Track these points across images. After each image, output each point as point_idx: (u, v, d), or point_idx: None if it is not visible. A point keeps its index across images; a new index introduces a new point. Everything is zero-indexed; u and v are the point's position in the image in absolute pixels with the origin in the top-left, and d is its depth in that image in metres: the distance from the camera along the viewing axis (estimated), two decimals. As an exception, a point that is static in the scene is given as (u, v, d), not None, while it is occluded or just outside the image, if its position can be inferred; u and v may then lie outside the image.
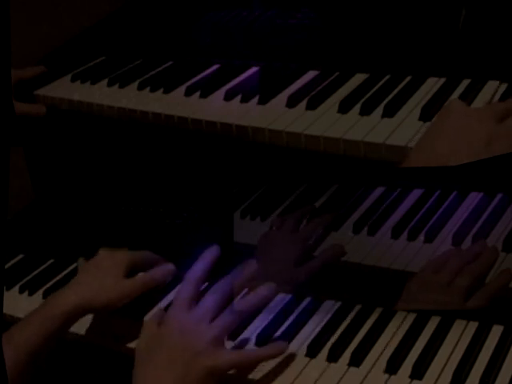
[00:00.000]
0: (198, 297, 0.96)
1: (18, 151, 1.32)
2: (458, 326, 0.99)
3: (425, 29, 1.10)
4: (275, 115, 1.05)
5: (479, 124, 0.87)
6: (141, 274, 1.09)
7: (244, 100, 1.10)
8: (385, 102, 1.02)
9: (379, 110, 1.01)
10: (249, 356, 0.95)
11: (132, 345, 1.08)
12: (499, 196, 1.06)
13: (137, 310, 1.14)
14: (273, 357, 0.96)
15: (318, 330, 1.04)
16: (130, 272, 1.09)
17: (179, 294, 0.97)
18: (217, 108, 1.11)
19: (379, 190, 1.13)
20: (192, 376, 0.89)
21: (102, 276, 1.06)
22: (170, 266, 1.10)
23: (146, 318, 1.10)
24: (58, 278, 1.28)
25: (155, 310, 1.01)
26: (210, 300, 0.95)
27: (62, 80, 1.30)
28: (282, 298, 1.11)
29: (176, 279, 1.21)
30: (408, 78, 1.08)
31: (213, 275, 1.19)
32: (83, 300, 1.03)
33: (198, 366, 0.90)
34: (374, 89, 1.06)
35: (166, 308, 1.13)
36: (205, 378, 0.90)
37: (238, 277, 0.99)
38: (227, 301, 0.95)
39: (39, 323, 1.01)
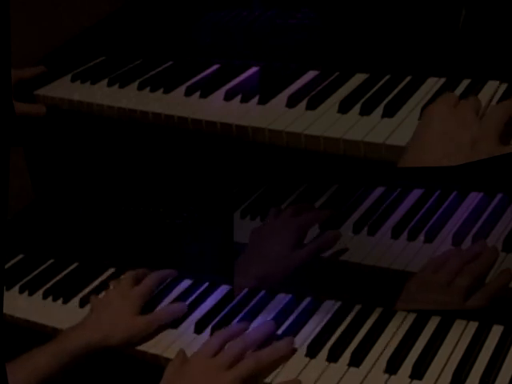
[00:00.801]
0: (222, 349, 1.00)
1: (18, 151, 1.32)
2: (458, 325, 0.99)
3: (425, 29, 1.10)
4: (275, 115, 1.05)
5: (463, 128, 0.89)
6: (155, 312, 1.11)
7: (244, 100, 1.10)
8: (385, 101, 1.02)
9: (379, 110, 1.01)
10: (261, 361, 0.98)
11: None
12: (499, 196, 1.06)
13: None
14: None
15: (318, 330, 1.04)
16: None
17: (208, 342, 1.02)
18: (217, 108, 1.11)
19: (379, 190, 1.13)
20: None
21: (115, 315, 1.08)
22: (183, 306, 1.12)
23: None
24: (58, 278, 1.29)
25: (180, 352, 1.02)
26: (232, 350, 0.99)
27: (62, 80, 1.30)
28: (282, 298, 1.11)
29: (175, 280, 1.22)
30: (408, 78, 1.08)
31: (213, 274, 1.19)
32: (95, 340, 1.05)
33: None
34: (374, 89, 1.06)
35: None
36: None
37: (256, 333, 1.03)
38: (245, 352, 0.99)
39: (51, 355, 1.03)
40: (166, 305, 1.13)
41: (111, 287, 1.15)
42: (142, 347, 1.07)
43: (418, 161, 0.88)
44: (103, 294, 1.16)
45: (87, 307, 1.18)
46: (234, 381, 0.95)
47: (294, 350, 1.00)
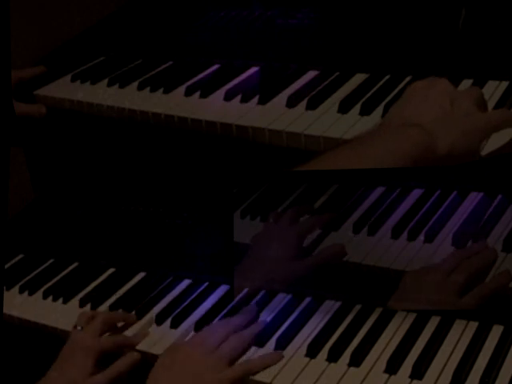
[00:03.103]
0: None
1: (18, 151, 1.32)
2: (458, 325, 0.99)
3: (425, 29, 1.10)
4: (275, 115, 1.05)
5: (442, 93, 0.90)
6: (112, 365, 1.07)
7: (244, 100, 1.10)
8: (385, 101, 1.02)
9: (379, 110, 1.01)
10: (250, 370, 0.99)
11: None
12: (499, 196, 1.06)
13: (138, 310, 1.15)
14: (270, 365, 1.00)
15: (317, 330, 1.04)
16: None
17: (207, 331, 1.05)
18: (217, 108, 1.11)
19: (379, 190, 1.13)
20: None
21: (72, 372, 1.05)
22: (135, 355, 1.08)
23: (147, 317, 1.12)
24: (57, 278, 1.29)
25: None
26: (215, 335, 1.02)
27: (62, 80, 1.30)
28: (282, 298, 1.11)
29: (175, 280, 1.22)
30: (408, 78, 1.08)
31: (213, 274, 1.19)
32: None
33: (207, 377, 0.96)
34: (374, 89, 1.06)
35: (165, 308, 1.14)
36: None
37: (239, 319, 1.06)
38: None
39: None
40: (121, 359, 1.08)
41: (78, 328, 1.09)
42: (142, 347, 1.07)
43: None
44: (70, 336, 1.10)
45: (87, 307, 1.18)
46: (223, 358, 0.97)
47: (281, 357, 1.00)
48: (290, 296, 1.11)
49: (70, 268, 1.31)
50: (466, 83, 1.03)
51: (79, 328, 1.09)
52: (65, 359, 1.07)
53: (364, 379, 0.94)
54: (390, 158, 0.85)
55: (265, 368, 0.98)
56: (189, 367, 0.98)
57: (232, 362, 0.99)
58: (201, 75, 1.21)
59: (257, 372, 0.98)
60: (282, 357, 1.00)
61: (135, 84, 1.22)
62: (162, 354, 1.02)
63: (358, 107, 1.02)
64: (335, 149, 0.90)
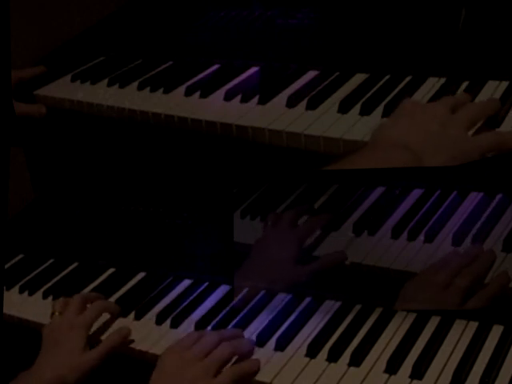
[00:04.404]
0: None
1: (18, 151, 1.32)
2: (458, 325, 0.99)
3: (425, 29, 1.10)
4: (275, 115, 1.05)
5: (432, 117, 0.90)
6: (102, 343, 1.08)
7: (244, 100, 1.10)
8: (385, 101, 1.02)
9: (379, 109, 1.01)
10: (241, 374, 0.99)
11: (131, 344, 1.08)
12: (499, 196, 1.06)
13: (138, 309, 1.15)
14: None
15: (317, 330, 1.04)
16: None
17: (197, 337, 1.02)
18: (217, 108, 1.11)
19: (379, 190, 1.13)
20: None
21: (63, 354, 1.05)
22: (127, 329, 1.10)
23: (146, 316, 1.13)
24: (57, 278, 1.29)
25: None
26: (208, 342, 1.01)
27: (62, 80, 1.30)
28: (282, 298, 1.11)
29: (175, 280, 1.22)
30: (408, 78, 1.08)
31: (213, 274, 1.19)
32: (52, 382, 1.03)
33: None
34: (374, 89, 1.06)
35: (166, 308, 1.14)
36: None
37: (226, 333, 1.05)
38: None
39: None
40: (111, 334, 1.10)
41: (57, 313, 1.11)
42: (142, 347, 1.07)
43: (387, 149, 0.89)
44: (50, 322, 1.11)
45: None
46: (212, 366, 0.97)
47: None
48: (290, 296, 1.11)
49: (70, 268, 1.31)
50: (466, 83, 1.03)
51: (57, 314, 1.10)
52: (52, 344, 1.07)
53: (364, 379, 0.94)
54: None
55: (256, 371, 0.98)
56: (180, 374, 0.97)
57: (220, 369, 0.98)
58: (201, 75, 1.21)
59: (248, 375, 0.98)
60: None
61: (135, 84, 1.22)
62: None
63: (357, 107, 1.02)
64: (326, 166, 0.91)
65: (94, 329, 1.10)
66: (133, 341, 1.09)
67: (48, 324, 1.10)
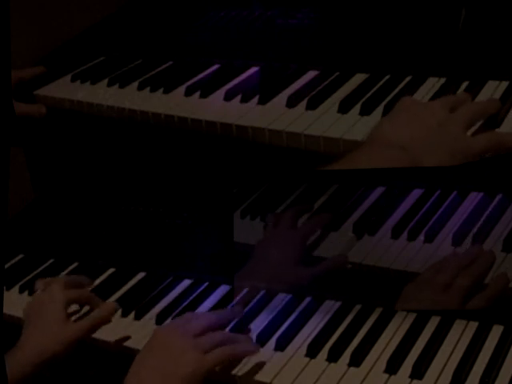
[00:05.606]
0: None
1: (18, 151, 1.32)
2: (458, 325, 0.99)
3: (425, 29, 1.10)
4: (275, 115, 1.05)
5: (431, 115, 0.90)
6: (85, 318, 1.08)
7: (244, 100, 1.11)
8: (385, 101, 1.02)
9: (379, 109, 1.01)
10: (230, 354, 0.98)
11: (131, 344, 1.08)
12: (499, 196, 1.06)
13: (138, 309, 1.15)
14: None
15: (317, 330, 1.04)
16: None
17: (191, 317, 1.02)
18: (217, 108, 1.11)
19: (379, 190, 1.13)
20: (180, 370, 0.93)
21: (46, 326, 1.05)
22: (113, 304, 1.10)
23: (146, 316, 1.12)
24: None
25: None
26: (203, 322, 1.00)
27: (62, 80, 1.30)
28: (282, 298, 1.11)
29: (175, 280, 1.22)
30: (408, 78, 1.08)
31: (213, 274, 1.19)
32: (38, 355, 1.03)
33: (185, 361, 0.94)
34: (374, 89, 1.06)
35: (166, 308, 1.14)
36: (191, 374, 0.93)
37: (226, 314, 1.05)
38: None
39: (11, 367, 1.01)
40: (98, 310, 1.10)
41: (40, 289, 1.11)
42: (141, 346, 1.07)
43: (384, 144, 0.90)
44: (33, 297, 1.13)
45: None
46: (204, 344, 0.96)
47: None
48: (290, 296, 1.11)
49: (70, 268, 1.31)
50: (466, 83, 1.03)
51: (39, 291, 1.10)
52: (34, 317, 1.07)
53: (364, 379, 0.94)
54: None
55: (244, 356, 0.98)
56: (169, 347, 0.96)
57: (211, 349, 0.96)
58: (201, 75, 1.22)
59: (236, 358, 0.98)
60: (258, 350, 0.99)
61: (135, 84, 1.22)
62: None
63: (357, 107, 1.02)
64: (325, 165, 0.91)
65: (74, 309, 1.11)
66: (133, 341, 1.09)
67: (30, 300, 1.11)
